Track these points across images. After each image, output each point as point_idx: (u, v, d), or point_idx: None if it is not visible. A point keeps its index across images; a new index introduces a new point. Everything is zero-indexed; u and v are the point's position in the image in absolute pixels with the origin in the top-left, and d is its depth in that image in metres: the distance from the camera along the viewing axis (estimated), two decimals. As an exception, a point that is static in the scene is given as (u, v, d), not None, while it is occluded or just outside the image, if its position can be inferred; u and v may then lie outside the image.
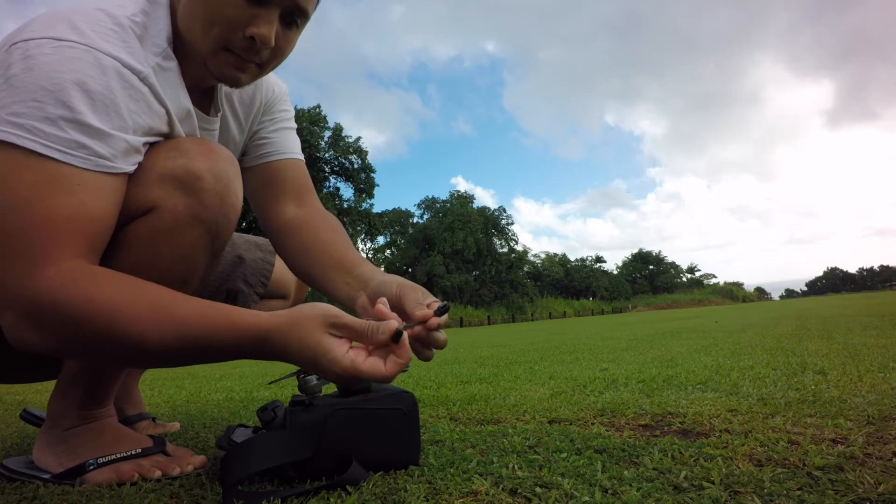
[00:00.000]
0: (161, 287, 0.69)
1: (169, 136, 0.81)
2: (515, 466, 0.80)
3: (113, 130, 0.70)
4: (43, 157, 0.65)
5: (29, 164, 0.65)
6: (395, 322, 0.70)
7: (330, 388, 0.86)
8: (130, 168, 0.73)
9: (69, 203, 0.66)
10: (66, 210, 0.66)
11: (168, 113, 0.79)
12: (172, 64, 0.79)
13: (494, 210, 44.75)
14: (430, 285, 37.94)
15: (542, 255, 57.35)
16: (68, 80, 0.66)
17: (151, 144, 0.78)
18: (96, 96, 0.68)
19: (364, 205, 30.66)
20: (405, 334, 0.70)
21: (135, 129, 0.73)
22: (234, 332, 0.67)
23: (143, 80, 0.74)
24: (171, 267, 0.77)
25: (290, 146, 1.07)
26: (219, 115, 0.94)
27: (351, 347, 0.69)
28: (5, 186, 0.65)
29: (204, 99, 0.90)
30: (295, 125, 1.11)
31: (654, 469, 0.75)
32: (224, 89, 0.96)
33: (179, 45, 0.80)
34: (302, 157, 1.09)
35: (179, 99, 0.81)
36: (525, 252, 48.80)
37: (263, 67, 0.83)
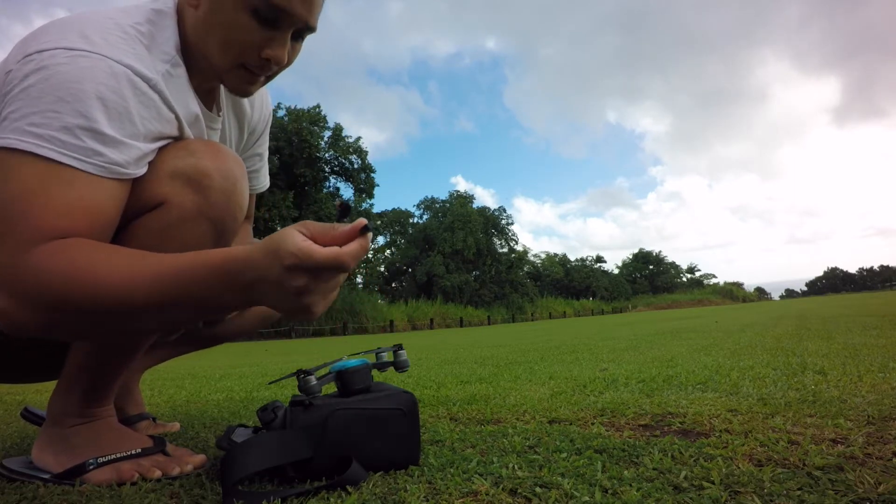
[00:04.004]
0: (137, 250, 0.70)
1: (178, 139, 0.83)
2: (515, 466, 0.80)
3: (126, 138, 0.72)
4: (53, 161, 0.67)
5: (37, 164, 0.67)
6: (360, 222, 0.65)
7: (330, 388, 0.87)
8: (140, 172, 0.76)
9: (67, 196, 0.68)
10: (63, 201, 0.68)
11: (178, 118, 0.81)
12: (181, 70, 0.82)
13: (494, 210, 44.75)
14: (429, 285, 37.96)
15: (542, 255, 57.34)
16: (84, 90, 0.68)
17: (162, 146, 0.80)
18: (110, 104, 0.70)
19: (364, 205, 30.64)
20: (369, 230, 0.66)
21: (146, 135, 0.75)
22: (205, 261, 0.65)
23: (153, 86, 0.76)
24: None
25: (261, 182, 1.17)
26: (221, 114, 0.97)
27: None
28: (12, 180, 0.67)
29: (207, 98, 0.93)
30: (267, 153, 1.19)
31: (654, 469, 0.75)
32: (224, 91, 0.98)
33: (186, 51, 0.83)
34: (265, 187, 1.19)
35: (188, 104, 0.84)
36: (525, 252, 48.79)
37: (270, 78, 0.88)
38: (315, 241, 0.63)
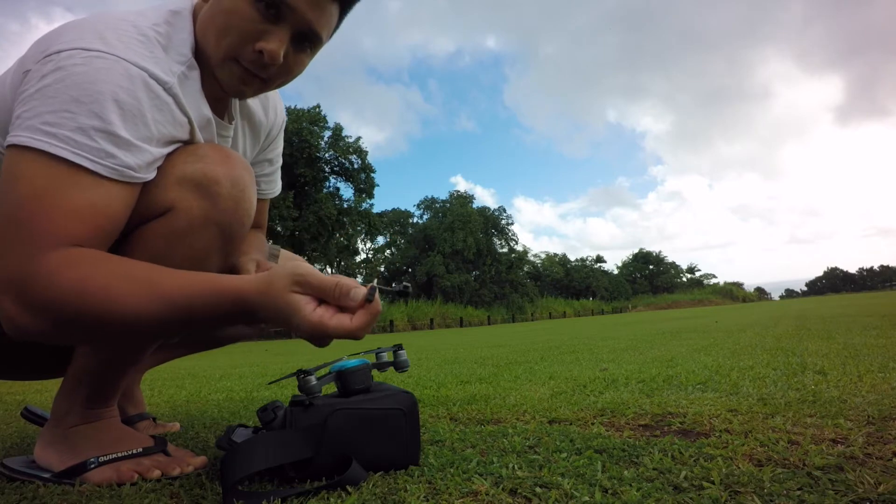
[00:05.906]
0: (150, 264, 0.71)
1: (189, 143, 0.82)
2: (515, 466, 0.80)
3: (139, 141, 0.72)
4: (66, 161, 0.67)
5: (50, 164, 0.67)
6: (362, 289, 0.70)
7: (330, 388, 0.87)
8: (150, 176, 0.75)
9: (78, 199, 0.68)
10: (74, 204, 0.68)
11: (190, 122, 0.80)
12: (196, 73, 0.81)
13: (494, 210, 44.75)
14: (429, 285, 37.94)
15: (542, 255, 57.24)
16: (100, 92, 0.68)
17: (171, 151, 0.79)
18: (125, 106, 0.70)
19: (364, 205, 30.57)
20: (377, 294, 0.70)
21: (158, 138, 0.75)
22: (217, 296, 0.68)
23: (168, 90, 0.75)
24: (184, 267, 0.78)
25: (272, 188, 1.16)
26: (233, 122, 0.96)
27: (318, 305, 0.68)
28: (24, 179, 0.67)
29: (218, 105, 0.92)
30: (281, 160, 1.17)
31: (654, 469, 0.75)
32: (239, 101, 0.97)
33: (199, 54, 0.82)
34: (276, 193, 1.18)
35: (200, 107, 0.83)
36: (525, 252, 48.70)
37: (268, 83, 0.84)
38: (320, 301, 0.68)
